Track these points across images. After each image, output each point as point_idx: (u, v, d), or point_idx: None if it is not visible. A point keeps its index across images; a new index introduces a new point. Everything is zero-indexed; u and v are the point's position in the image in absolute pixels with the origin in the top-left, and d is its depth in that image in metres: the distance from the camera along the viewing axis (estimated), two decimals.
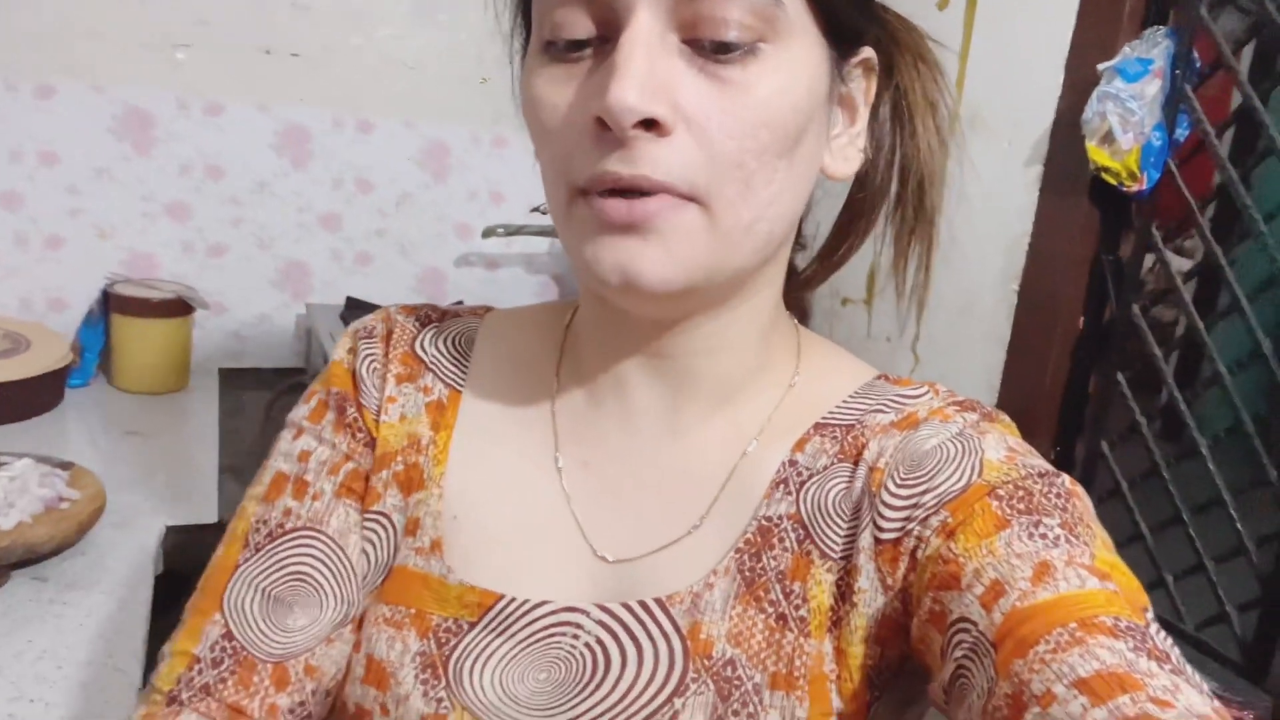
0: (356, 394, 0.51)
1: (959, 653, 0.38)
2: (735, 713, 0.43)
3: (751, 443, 0.47)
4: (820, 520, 0.45)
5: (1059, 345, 1.14)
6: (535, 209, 1.55)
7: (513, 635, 0.46)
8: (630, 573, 0.46)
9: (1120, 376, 1.09)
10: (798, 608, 0.44)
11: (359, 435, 0.51)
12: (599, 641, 0.45)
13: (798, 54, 0.41)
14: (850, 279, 1.53)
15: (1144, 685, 0.33)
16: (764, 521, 0.45)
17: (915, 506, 0.43)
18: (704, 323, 0.46)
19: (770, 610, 0.44)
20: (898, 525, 0.43)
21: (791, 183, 0.43)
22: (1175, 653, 0.36)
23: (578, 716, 0.44)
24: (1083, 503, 0.43)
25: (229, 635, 0.47)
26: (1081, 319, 1.14)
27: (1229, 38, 0.98)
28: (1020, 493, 0.41)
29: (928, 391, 0.49)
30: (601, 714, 0.44)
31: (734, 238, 0.41)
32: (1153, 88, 1.01)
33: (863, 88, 0.47)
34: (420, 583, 0.48)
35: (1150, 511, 1.06)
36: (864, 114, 0.47)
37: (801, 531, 0.45)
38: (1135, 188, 1.03)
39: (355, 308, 1.47)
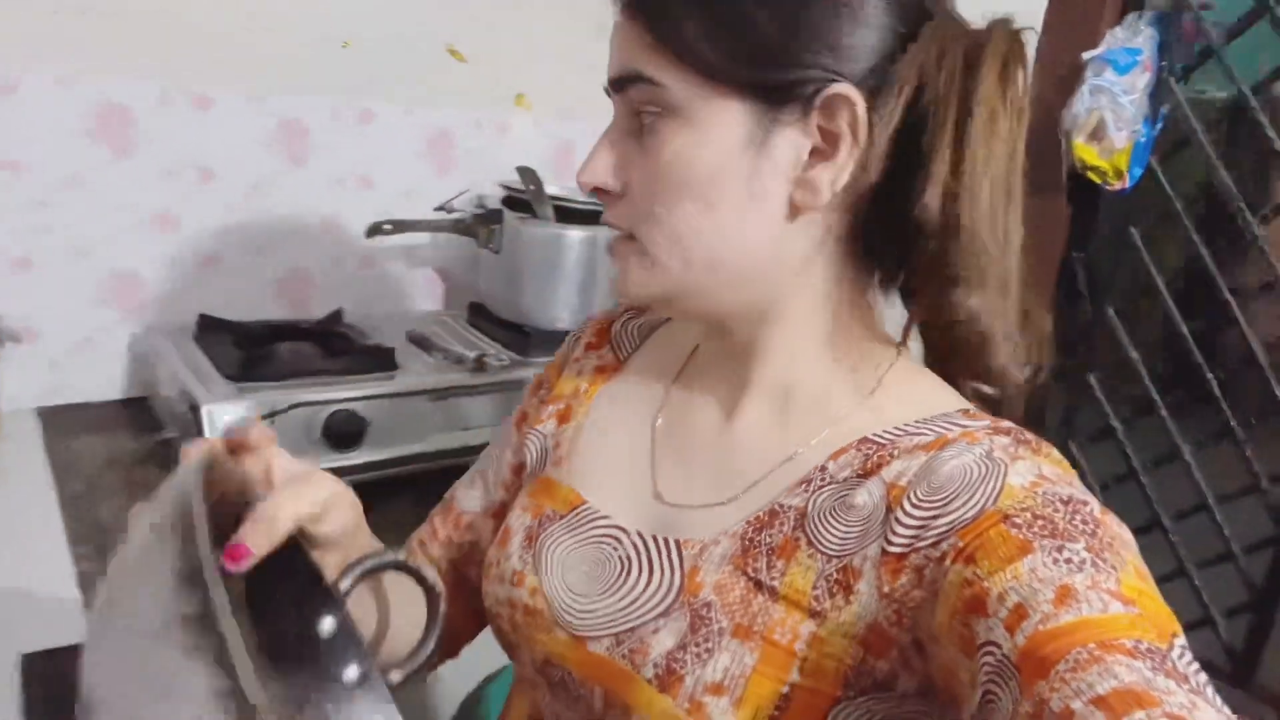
0: (560, 360, 0.72)
1: (985, 676, 0.40)
2: (697, 644, 0.51)
3: (801, 446, 0.55)
4: (818, 518, 0.51)
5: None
6: (440, 208, 1.33)
7: (578, 532, 0.60)
8: (670, 515, 0.57)
9: (1092, 378, 1.05)
10: (774, 579, 0.51)
11: (540, 390, 0.71)
12: (627, 557, 0.57)
13: (697, 120, 0.51)
14: None
15: (1160, 702, 0.34)
16: (777, 507, 0.53)
17: (925, 528, 0.47)
18: (746, 332, 0.57)
19: (752, 575, 0.52)
20: (906, 541, 0.47)
21: (719, 219, 0.52)
22: (1199, 677, 0.37)
23: (595, 606, 0.56)
24: (1112, 530, 0.44)
25: (453, 489, 0.77)
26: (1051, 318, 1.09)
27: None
28: (1040, 521, 0.43)
29: (988, 423, 0.52)
30: (612, 611, 0.55)
31: (669, 265, 0.53)
32: (1142, 80, 0.96)
33: (815, 127, 0.51)
34: (548, 484, 0.64)
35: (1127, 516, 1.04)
36: (844, 151, 0.51)
37: (799, 521, 0.52)
38: (1118, 186, 0.98)
39: (213, 329, 1.22)
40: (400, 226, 1.25)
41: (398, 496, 1.11)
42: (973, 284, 0.52)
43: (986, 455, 0.48)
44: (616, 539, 0.58)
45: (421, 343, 1.28)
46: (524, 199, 1.35)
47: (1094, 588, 0.40)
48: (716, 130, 0.51)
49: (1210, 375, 0.97)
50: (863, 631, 0.48)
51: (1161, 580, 0.41)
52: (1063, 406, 1.11)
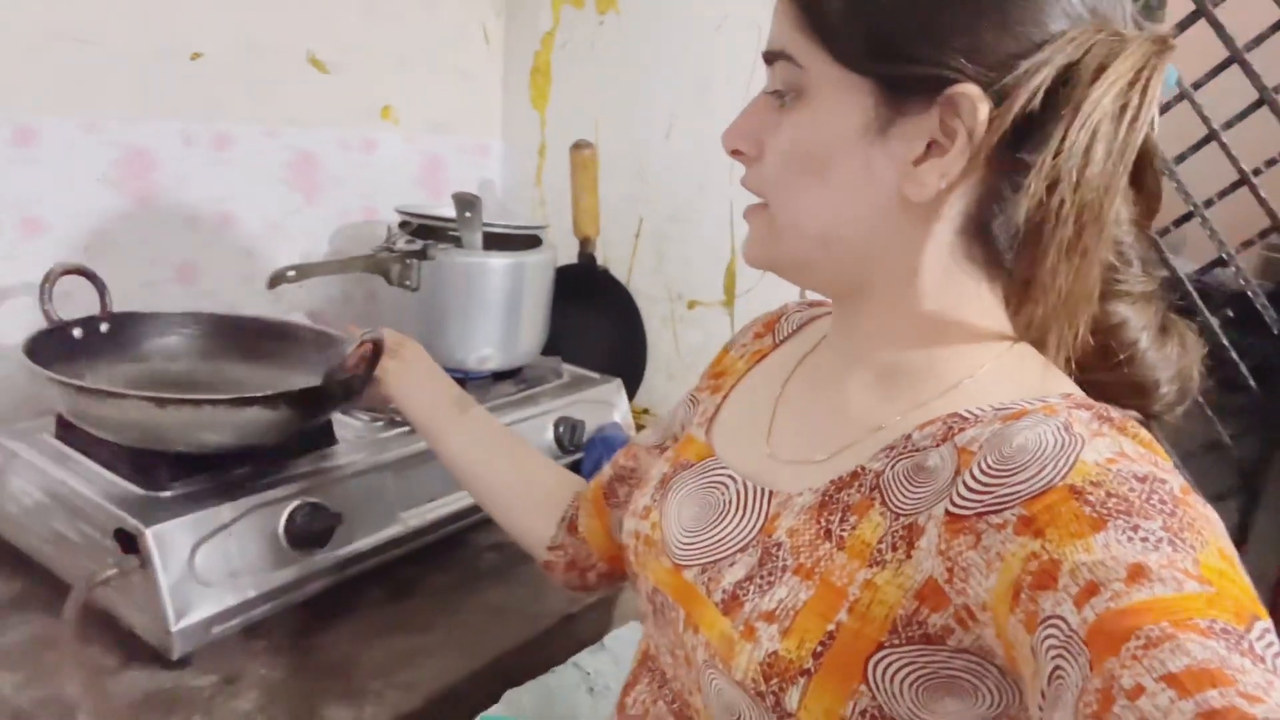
0: (730, 344, 0.77)
1: (1053, 653, 0.39)
2: (762, 577, 0.55)
3: (895, 417, 0.57)
4: (894, 480, 0.53)
5: None
6: (383, 248, 1.13)
7: (701, 478, 0.65)
8: (771, 467, 0.62)
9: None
10: (844, 532, 0.53)
11: (710, 371, 0.76)
12: (729, 500, 0.61)
13: (824, 103, 0.53)
14: (696, 281, 1.37)
15: (1235, 681, 0.33)
16: (860, 469, 0.56)
17: (990, 494, 0.47)
18: (852, 314, 0.60)
19: (823, 525, 0.55)
20: (969, 506, 0.48)
21: (832, 197, 0.55)
22: (1279, 661, 0.36)
23: (696, 540, 0.60)
24: (1194, 510, 0.43)
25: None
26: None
27: None
28: (1114, 499, 0.42)
29: (1074, 400, 0.52)
30: (707, 544, 0.60)
31: (786, 234, 0.57)
32: None
33: (941, 124, 0.51)
34: (690, 440, 0.70)
35: None
36: (959, 147, 0.51)
37: (875, 482, 0.54)
38: None
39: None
40: (305, 272, 1.05)
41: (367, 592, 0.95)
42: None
43: (1064, 428, 0.47)
44: (725, 484, 0.63)
45: None
46: (430, 226, 1.20)
47: (1169, 566, 0.39)
48: (840, 113, 0.53)
49: None
50: (919, 585, 0.49)
51: None
52: None
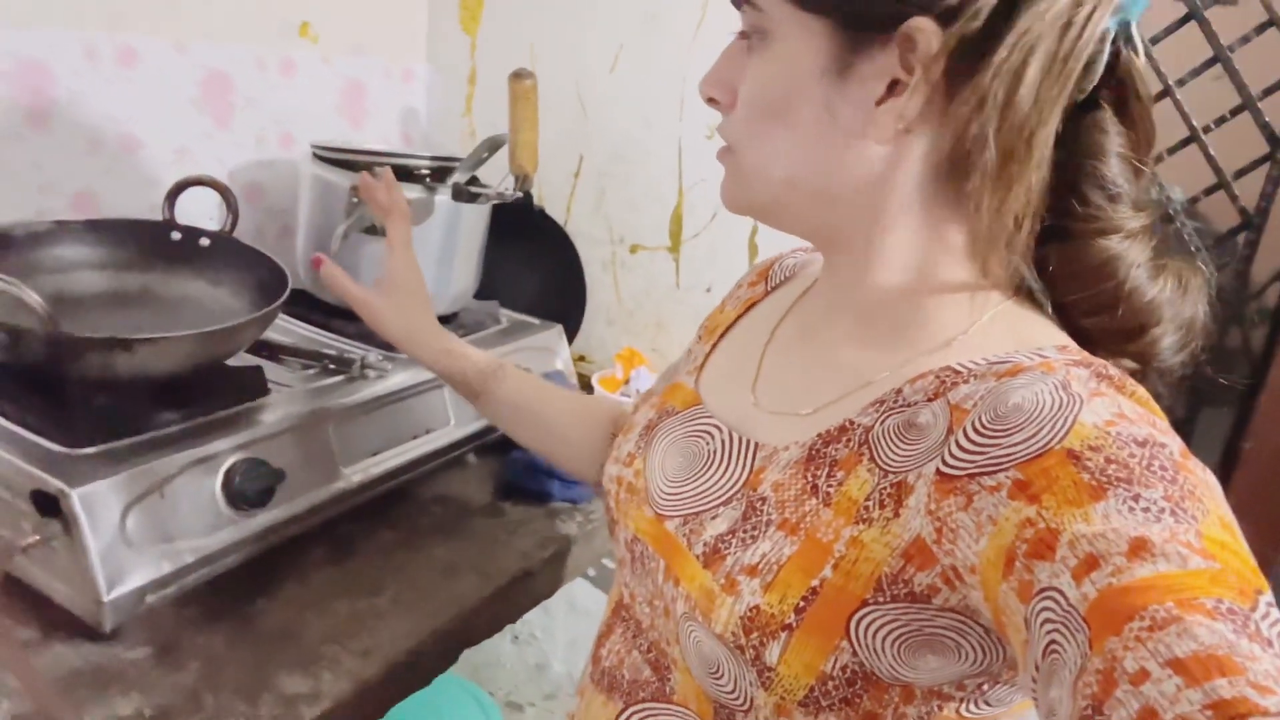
0: (727, 296, 0.76)
1: (1048, 627, 0.38)
2: (746, 531, 0.54)
3: (885, 371, 0.55)
4: (883, 435, 0.52)
5: None
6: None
7: (686, 425, 0.64)
8: (757, 418, 0.61)
9: None
10: (831, 488, 0.52)
11: (706, 323, 0.75)
12: (714, 450, 0.60)
13: (785, 46, 0.53)
14: (639, 224, 1.33)
15: (1244, 670, 0.33)
16: (847, 423, 0.54)
17: (983, 454, 0.45)
18: (833, 260, 0.61)
19: (809, 480, 0.53)
20: (961, 466, 0.46)
21: (796, 139, 0.54)
22: None
23: (679, 489, 0.60)
24: (1195, 476, 0.41)
25: None
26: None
27: None
28: (1113, 465, 0.41)
29: (1074, 356, 0.50)
30: (689, 494, 0.59)
31: (754, 179, 0.57)
32: None
33: (897, 62, 0.50)
34: (678, 386, 0.69)
35: None
36: (912, 88, 0.49)
37: (864, 438, 0.53)
38: None
39: None
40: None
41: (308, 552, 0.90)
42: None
43: (1061, 386, 0.45)
44: (710, 434, 0.62)
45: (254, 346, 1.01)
46: (350, 162, 1.11)
47: (1172, 539, 0.38)
48: (800, 55, 0.52)
49: None
50: (905, 544, 0.48)
51: None
52: None
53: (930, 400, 0.51)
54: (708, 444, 0.61)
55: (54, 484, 0.69)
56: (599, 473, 0.80)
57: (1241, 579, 0.37)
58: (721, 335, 0.71)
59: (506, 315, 1.26)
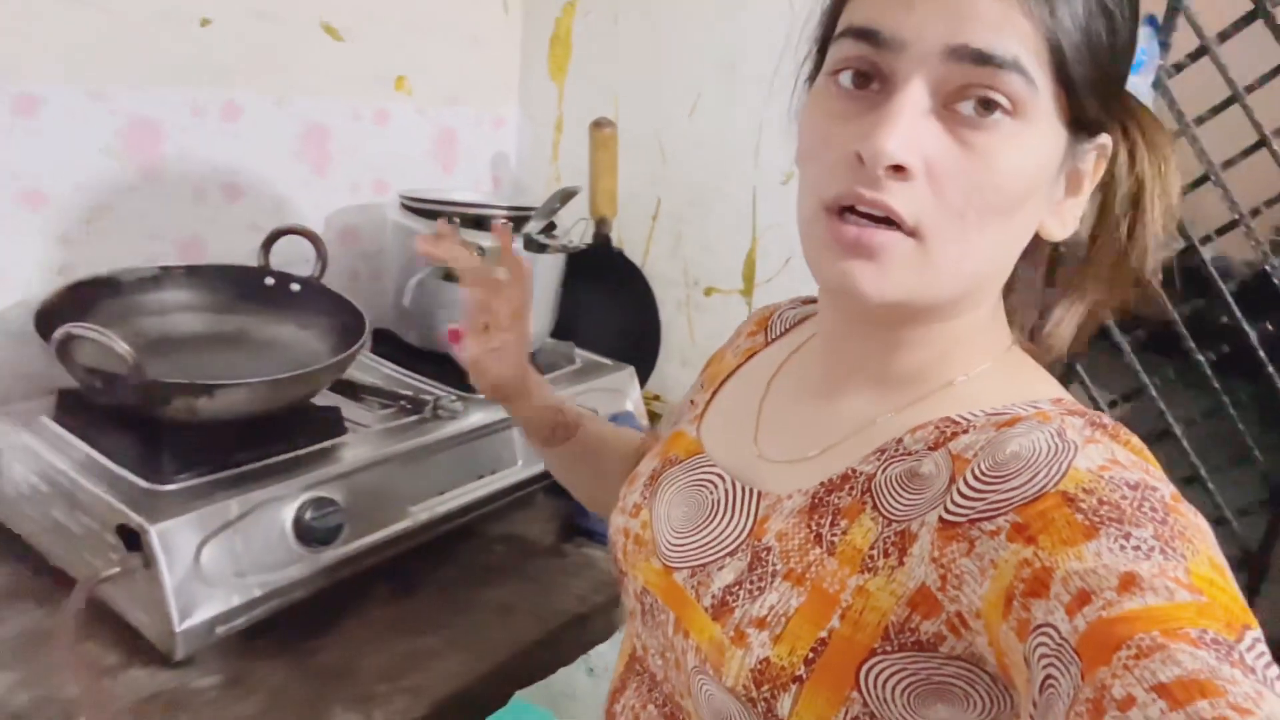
0: (726, 344, 0.77)
1: (1044, 662, 0.39)
2: (752, 583, 0.54)
3: (885, 416, 0.56)
4: (886, 485, 0.53)
5: None
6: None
7: (690, 475, 0.64)
8: (760, 467, 0.61)
9: (1079, 367, 1.07)
10: (835, 537, 0.53)
11: (707, 369, 0.76)
12: (718, 500, 0.61)
13: (1038, 134, 0.48)
14: (714, 267, 1.34)
15: (1225, 692, 0.33)
16: (850, 471, 0.55)
17: (983, 500, 0.46)
18: (899, 330, 0.55)
19: (813, 529, 0.54)
20: (962, 513, 0.47)
21: (1006, 237, 0.51)
22: (1269, 671, 0.36)
23: (686, 540, 0.60)
24: (1185, 519, 0.43)
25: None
26: None
27: None
28: (1106, 506, 0.42)
29: (1067, 407, 0.51)
30: (696, 545, 0.59)
31: (943, 272, 0.50)
32: (1144, 83, 0.96)
33: (1091, 167, 0.53)
34: (680, 435, 0.69)
35: None
36: (1088, 189, 0.53)
37: (867, 485, 0.54)
38: None
39: (74, 408, 0.93)
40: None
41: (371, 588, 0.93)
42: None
43: (1057, 434, 0.47)
44: (713, 483, 0.62)
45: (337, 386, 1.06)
46: (436, 212, 1.16)
47: (1160, 575, 0.39)
48: (1047, 150, 0.49)
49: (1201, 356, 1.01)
50: (911, 592, 0.48)
51: None
52: None
53: (932, 449, 0.52)
54: (711, 493, 0.62)
55: (135, 519, 0.75)
56: None
57: (1229, 614, 0.38)
58: (722, 383, 0.71)
59: (581, 355, 1.29)
